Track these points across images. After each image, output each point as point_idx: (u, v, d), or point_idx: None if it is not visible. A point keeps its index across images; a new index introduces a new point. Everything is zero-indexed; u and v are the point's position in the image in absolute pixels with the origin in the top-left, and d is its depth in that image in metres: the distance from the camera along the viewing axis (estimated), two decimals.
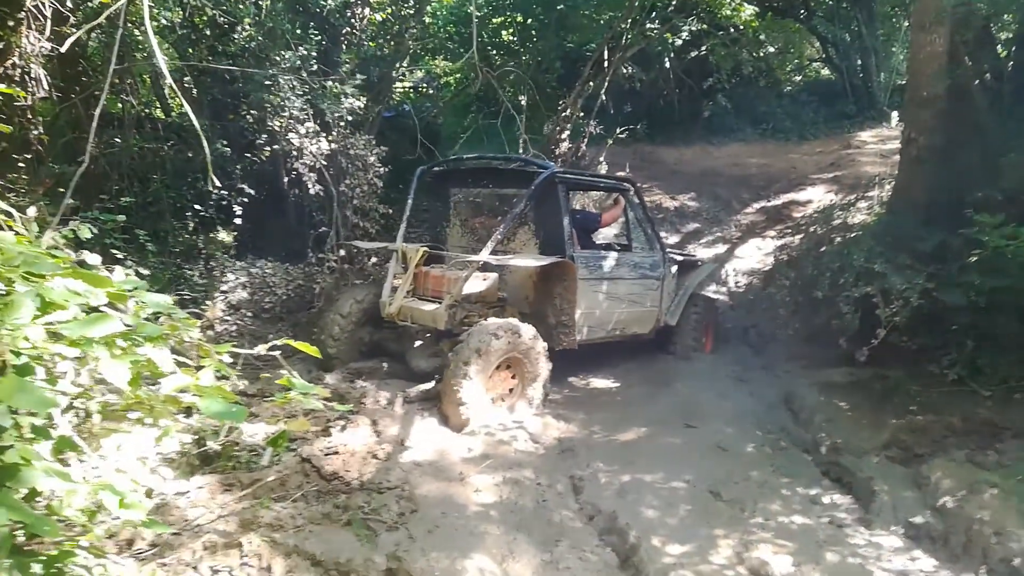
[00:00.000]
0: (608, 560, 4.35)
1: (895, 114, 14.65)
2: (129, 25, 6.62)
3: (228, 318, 8.15)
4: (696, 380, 7.41)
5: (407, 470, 5.04)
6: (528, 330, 6.16)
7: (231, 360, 2.38)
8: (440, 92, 13.87)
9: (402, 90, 13.99)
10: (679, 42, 11.71)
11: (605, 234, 8.11)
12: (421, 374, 6.55)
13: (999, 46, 7.36)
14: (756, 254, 10.90)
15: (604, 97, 11.56)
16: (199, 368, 2.20)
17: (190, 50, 7.98)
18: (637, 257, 7.43)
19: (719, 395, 7.08)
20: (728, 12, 10.41)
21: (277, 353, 2.38)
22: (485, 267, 6.48)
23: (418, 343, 6.95)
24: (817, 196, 12.02)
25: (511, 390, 6.28)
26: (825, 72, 18.50)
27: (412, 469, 5.07)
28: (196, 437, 4.59)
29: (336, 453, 5.15)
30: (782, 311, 7.75)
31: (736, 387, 7.39)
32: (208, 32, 8.05)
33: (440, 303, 6.45)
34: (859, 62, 16.63)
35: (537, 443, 5.81)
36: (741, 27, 11.30)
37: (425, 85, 14.45)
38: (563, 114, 11.12)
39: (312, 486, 4.86)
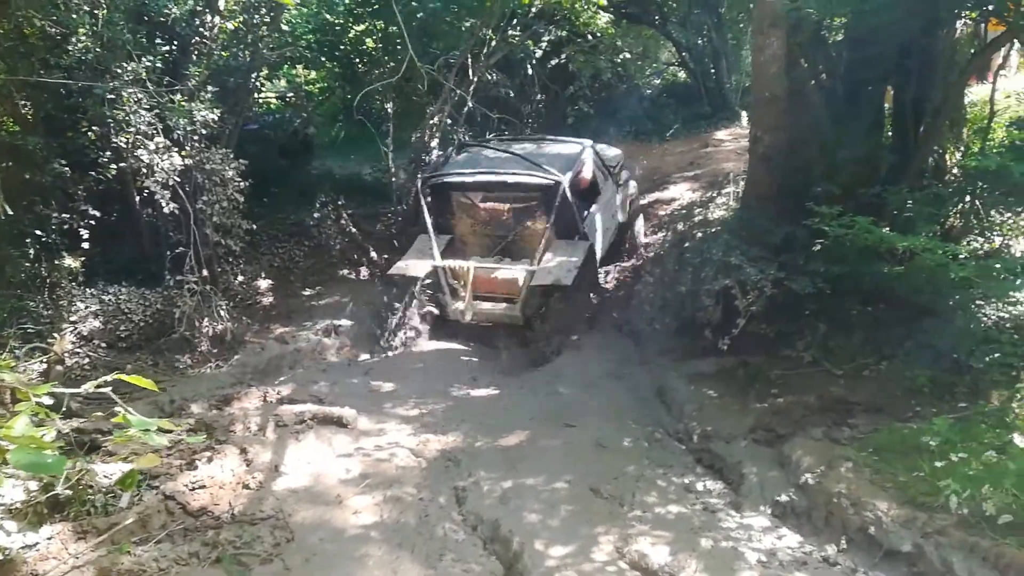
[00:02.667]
0: (493, 569, 4.34)
1: (745, 114, 15.51)
2: None
3: (79, 350, 7.56)
4: (574, 380, 7.52)
5: (281, 498, 4.84)
6: None
7: (51, 402, 2.16)
8: (305, 102, 13.48)
9: (264, 100, 13.50)
10: (539, 52, 11.91)
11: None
12: None
13: (832, 48, 7.87)
14: None
15: (471, 104, 11.57)
16: (14, 414, 1.98)
17: (19, 63, 7.32)
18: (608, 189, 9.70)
19: (596, 392, 7.22)
20: (586, 20, 10.68)
21: (108, 390, 2.18)
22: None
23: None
24: (680, 193, 12.51)
25: None
26: (681, 75, 19.34)
27: (287, 497, 4.87)
28: (43, 483, 4.23)
29: (203, 487, 4.88)
30: (650, 307, 7.99)
31: (612, 383, 7.55)
32: (39, 44, 7.43)
33: (505, 302, 8.30)
34: (711, 66, 17.50)
35: (418, 457, 5.72)
36: (599, 34, 11.64)
37: (292, 95, 14.02)
38: (431, 121, 11.06)
39: (177, 524, 4.58)
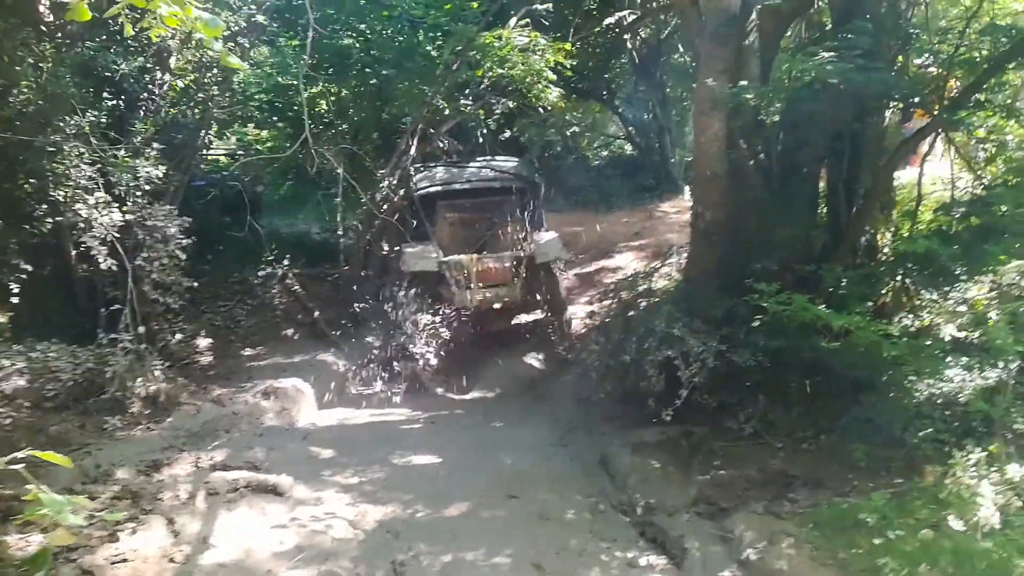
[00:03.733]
0: None
1: (688, 188, 16.02)
2: None
3: (1, 410, 7.17)
4: (519, 448, 7.45)
5: (208, 573, 4.61)
6: None
7: None
8: (255, 160, 13.45)
9: (212, 158, 13.41)
10: (491, 123, 12.19)
11: None
12: None
13: (769, 131, 8.21)
14: (573, 320, 11.30)
15: (421, 166, 11.68)
16: None
17: None
18: None
19: (541, 461, 7.15)
20: (536, 93, 10.99)
21: (20, 467, 2.06)
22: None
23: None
24: (625, 263, 12.77)
25: None
26: (628, 148, 19.97)
27: (214, 571, 4.64)
28: None
29: (125, 560, 4.62)
30: (595, 374, 8.03)
31: (557, 452, 7.49)
32: None
33: (502, 287, 9.72)
34: (656, 140, 18.14)
35: (356, 529, 5.53)
36: (549, 107, 12.00)
37: (241, 153, 13.98)
38: (381, 185, 11.09)
39: None
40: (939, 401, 6.08)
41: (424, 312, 9.90)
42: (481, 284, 9.66)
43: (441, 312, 10.11)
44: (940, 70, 6.74)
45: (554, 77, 10.73)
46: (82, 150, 6.95)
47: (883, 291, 7.08)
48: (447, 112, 11.33)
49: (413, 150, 11.07)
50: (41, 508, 2.07)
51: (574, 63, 11.85)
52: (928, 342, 6.00)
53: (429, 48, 11.42)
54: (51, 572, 4.42)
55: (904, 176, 9.08)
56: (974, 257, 6.03)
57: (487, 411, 8.86)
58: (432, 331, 9.90)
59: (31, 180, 7.17)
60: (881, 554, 4.36)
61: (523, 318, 11.20)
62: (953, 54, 6.55)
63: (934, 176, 8.32)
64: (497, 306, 10.08)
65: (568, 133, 15.65)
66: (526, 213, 10.32)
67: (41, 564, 2.61)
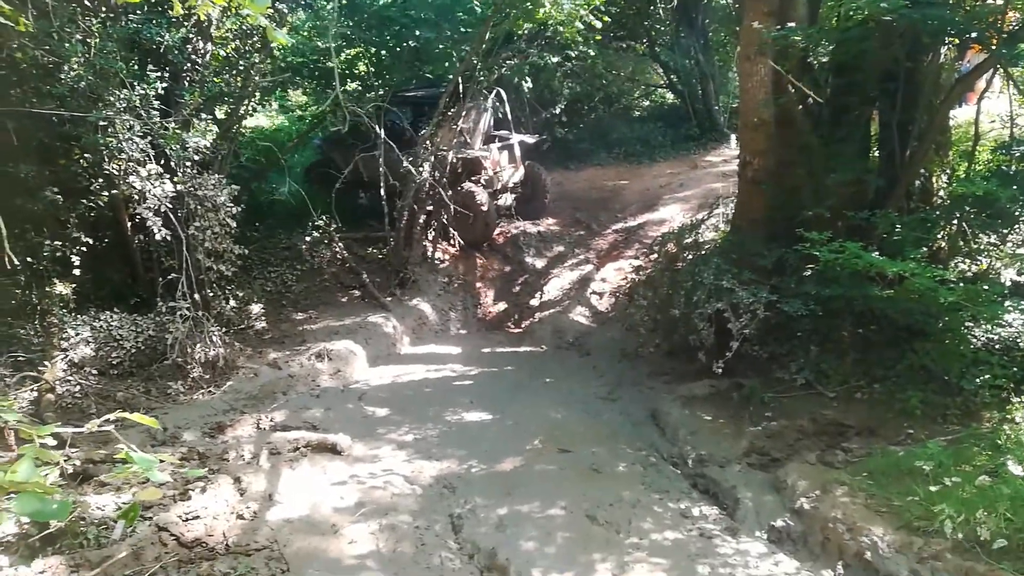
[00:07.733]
0: None
1: (734, 136, 15.65)
2: None
3: (71, 378, 7.49)
4: (568, 403, 7.54)
5: (276, 528, 4.81)
6: None
7: (55, 443, 2.15)
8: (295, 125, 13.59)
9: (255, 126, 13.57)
10: (529, 83, 12.03)
11: None
12: None
13: (818, 73, 7.97)
14: (618, 274, 11.27)
15: (463, 125, 11.66)
16: (20, 456, 1.97)
17: (11, 92, 7.34)
18: None
19: (591, 416, 7.23)
20: (574, 39, 10.79)
21: (111, 428, 2.18)
22: None
23: None
24: (670, 215, 12.61)
25: None
26: (670, 97, 19.52)
27: (281, 526, 4.84)
28: None
29: (197, 517, 4.85)
30: (643, 329, 8.02)
31: (606, 407, 7.57)
32: (32, 72, 7.45)
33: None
34: (699, 88, 17.67)
35: (413, 484, 5.70)
36: (585, 56, 11.78)
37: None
38: (424, 144, 11.09)
39: (171, 556, 4.55)
40: (997, 347, 5.97)
41: None
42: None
43: None
44: (998, 2, 6.42)
45: (598, 24, 10.42)
46: (133, 123, 7.09)
47: (939, 235, 6.90)
48: (485, 69, 11.22)
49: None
50: (128, 467, 2.19)
51: (613, 10, 11.53)
52: (986, 287, 5.84)
53: (469, 5, 11.29)
54: (128, 529, 4.68)
55: (960, 115, 8.76)
56: None
57: (535, 367, 8.94)
58: None
59: (86, 155, 7.36)
60: (938, 501, 4.34)
61: None
62: None
63: (992, 114, 8.00)
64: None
65: (605, 83, 15.30)
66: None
67: (133, 518, 2.77)
